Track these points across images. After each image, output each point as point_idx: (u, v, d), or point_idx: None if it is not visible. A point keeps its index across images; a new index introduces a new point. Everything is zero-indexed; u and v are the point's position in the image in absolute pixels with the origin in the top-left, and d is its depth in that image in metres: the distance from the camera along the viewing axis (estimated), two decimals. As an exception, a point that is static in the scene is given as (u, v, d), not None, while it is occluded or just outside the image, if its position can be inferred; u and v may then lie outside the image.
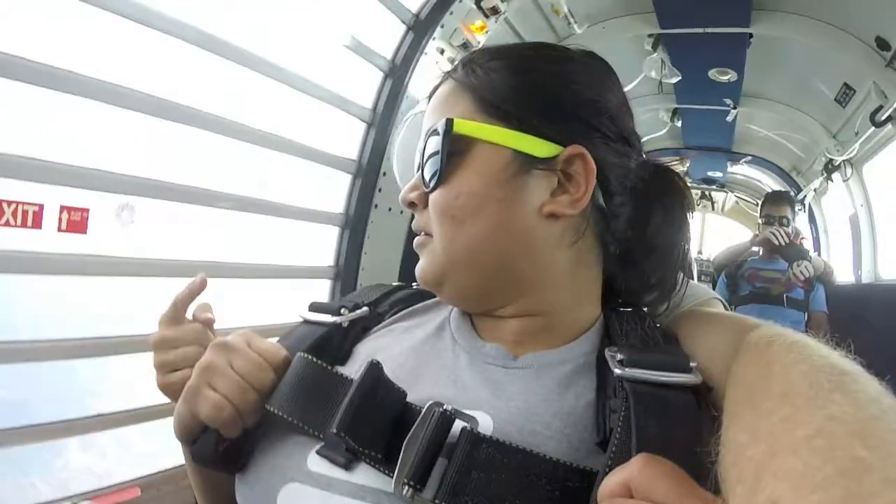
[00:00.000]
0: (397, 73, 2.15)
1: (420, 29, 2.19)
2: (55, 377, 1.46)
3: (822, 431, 0.35)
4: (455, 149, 0.66)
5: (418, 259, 0.73)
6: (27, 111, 1.38)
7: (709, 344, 0.64)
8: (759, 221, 3.61)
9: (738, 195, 7.33)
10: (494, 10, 2.34)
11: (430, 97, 0.76)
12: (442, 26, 2.22)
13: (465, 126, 0.66)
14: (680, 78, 3.59)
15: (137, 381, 1.50)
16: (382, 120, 2.10)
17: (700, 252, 7.46)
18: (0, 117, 1.34)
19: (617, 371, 0.58)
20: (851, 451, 0.32)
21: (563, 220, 0.67)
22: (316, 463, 0.59)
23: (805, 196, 4.79)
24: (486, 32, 2.38)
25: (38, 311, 1.51)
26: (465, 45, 2.33)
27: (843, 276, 3.84)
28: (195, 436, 0.67)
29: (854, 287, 3.80)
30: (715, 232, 7.92)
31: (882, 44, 2.64)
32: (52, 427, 1.35)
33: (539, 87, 0.69)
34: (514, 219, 0.66)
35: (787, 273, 3.28)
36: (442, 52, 2.27)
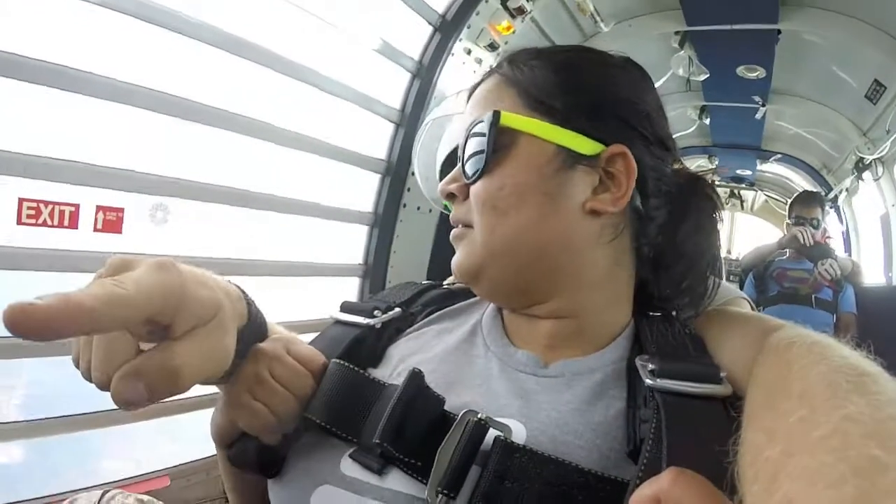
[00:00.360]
0: (425, 73, 2.18)
1: (447, 30, 2.22)
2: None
3: (838, 431, 0.35)
4: (501, 141, 0.66)
5: (453, 253, 0.73)
6: (63, 115, 1.43)
7: (733, 345, 0.64)
8: (789, 221, 3.52)
9: (767, 194, 7.20)
10: (521, 10, 2.35)
11: (471, 92, 0.76)
12: (468, 27, 2.25)
13: (511, 119, 0.67)
14: (708, 75, 3.56)
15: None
16: (411, 120, 2.13)
17: (729, 252, 7.34)
18: (36, 120, 1.39)
19: (648, 381, 0.58)
20: (866, 450, 0.32)
21: (604, 217, 0.67)
22: (349, 467, 0.59)
23: (836, 195, 4.70)
24: (513, 32, 2.39)
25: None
26: (491, 46, 2.35)
27: (874, 277, 3.75)
28: (232, 440, 0.67)
29: (885, 289, 3.72)
30: (744, 231, 7.81)
31: (914, 39, 2.60)
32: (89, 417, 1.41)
33: (583, 85, 0.69)
34: (556, 213, 0.66)
35: (814, 273, 3.23)
36: (469, 52, 2.29)
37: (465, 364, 0.69)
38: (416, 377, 0.60)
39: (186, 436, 1.69)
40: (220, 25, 1.55)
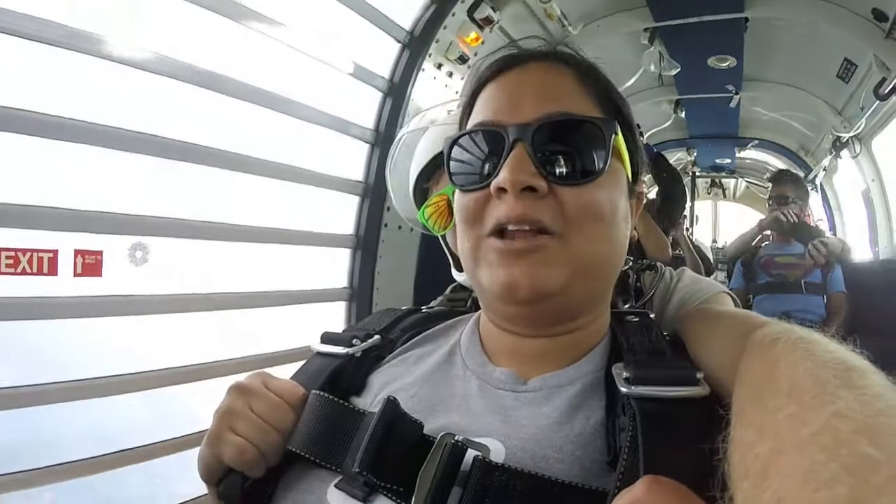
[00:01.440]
0: (396, 91, 2.18)
1: (415, 46, 2.22)
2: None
3: (828, 428, 0.35)
4: (608, 154, 0.66)
5: (432, 274, 0.72)
6: (37, 161, 1.41)
7: (716, 345, 0.64)
8: (769, 203, 3.55)
9: (748, 180, 7.28)
10: (488, 21, 2.36)
11: (513, 61, 0.73)
12: (437, 41, 2.25)
13: (621, 142, 0.68)
14: (679, 69, 3.59)
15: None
16: (385, 139, 2.11)
17: (714, 241, 7.40)
18: (8, 168, 1.37)
19: (623, 389, 0.59)
20: (857, 447, 0.32)
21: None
22: (335, 496, 0.60)
23: (815, 175, 4.74)
24: (482, 43, 2.40)
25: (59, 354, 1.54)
26: (461, 58, 2.35)
27: (861, 254, 3.78)
28: (220, 477, 0.68)
29: (872, 264, 3.73)
30: (729, 219, 7.89)
31: (879, 15, 2.61)
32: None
33: (630, 119, 0.74)
34: (625, 237, 0.70)
35: (805, 257, 3.21)
36: (440, 66, 2.29)
37: (444, 386, 0.70)
38: (390, 405, 0.61)
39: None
40: (191, 61, 1.54)
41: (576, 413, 0.62)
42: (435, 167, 1.14)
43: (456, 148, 0.70)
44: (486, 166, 0.66)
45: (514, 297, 0.64)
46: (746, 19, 3.05)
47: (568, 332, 0.69)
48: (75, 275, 1.38)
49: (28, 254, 1.29)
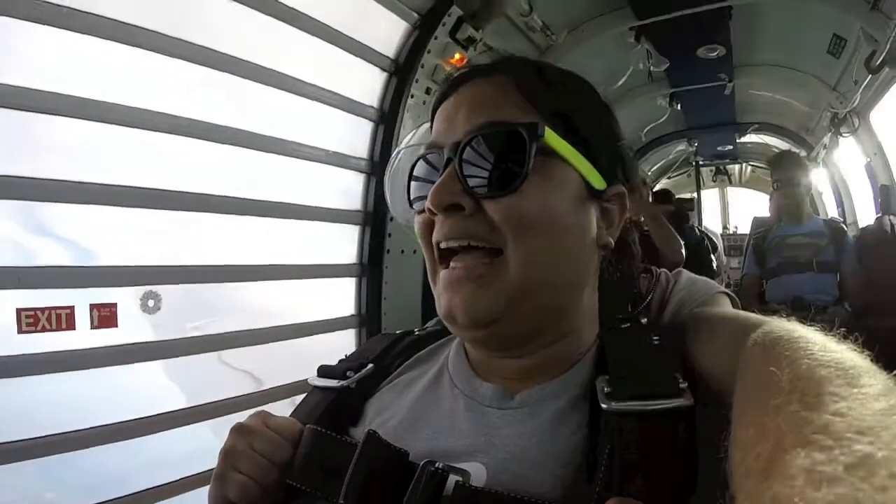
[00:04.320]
0: (387, 119, 2.23)
1: (402, 73, 2.27)
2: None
3: (829, 427, 0.34)
4: (537, 158, 0.63)
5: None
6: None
7: (717, 347, 0.64)
8: (774, 186, 3.45)
9: (752, 164, 7.23)
10: (470, 40, 2.39)
11: (456, 81, 0.72)
12: (422, 66, 2.29)
13: (554, 139, 0.65)
14: (668, 64, 3.61)
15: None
16: (380, 168, 2.16)
17: (725, 227, 7.35)
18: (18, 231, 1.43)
19: (603, 406, 0.59)
20: (858, 447, 0.32)
21: (601, 251, 0.71)
22: None
23: (817, 154, 4.71)
24: (468, 62, 2.43)
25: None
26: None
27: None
28: None
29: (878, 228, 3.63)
30: (737, 204, 7.85)
31: (863, -13, 2.59)
32: None
33: (595, 118, 0.73)
34: (583, 246, 0.68)
35: (815, 236, 3.17)
36: (428, 91, 2.33)
37: (432, 407, 0.71)
38: (371, 439, 0.63)
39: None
40: (188, 115, 1.61)
41: (559, 428, 0.63)
42: None
43: (413, 173, 0.73)
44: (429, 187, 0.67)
45: (454, 324, 0.66)
46: (730, 7, 3.04)
47: (544, 346, 0.69)
48: (92, 327, 1.45)
49: (46, 312, 1.36)
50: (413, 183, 0.73)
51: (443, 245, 0.66)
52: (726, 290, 0.97)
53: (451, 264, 0.65)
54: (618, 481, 0.52)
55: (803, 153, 4.65)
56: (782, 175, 3.36)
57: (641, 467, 0.53)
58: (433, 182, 0.66)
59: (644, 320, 0.80)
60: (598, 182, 0.69)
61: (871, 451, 0.31)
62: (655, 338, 0.70)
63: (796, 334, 0.49)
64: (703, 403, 0.58)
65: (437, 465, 0.59)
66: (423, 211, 0.68)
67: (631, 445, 0.54)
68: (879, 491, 0.29)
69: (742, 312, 0.72)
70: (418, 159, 0.73)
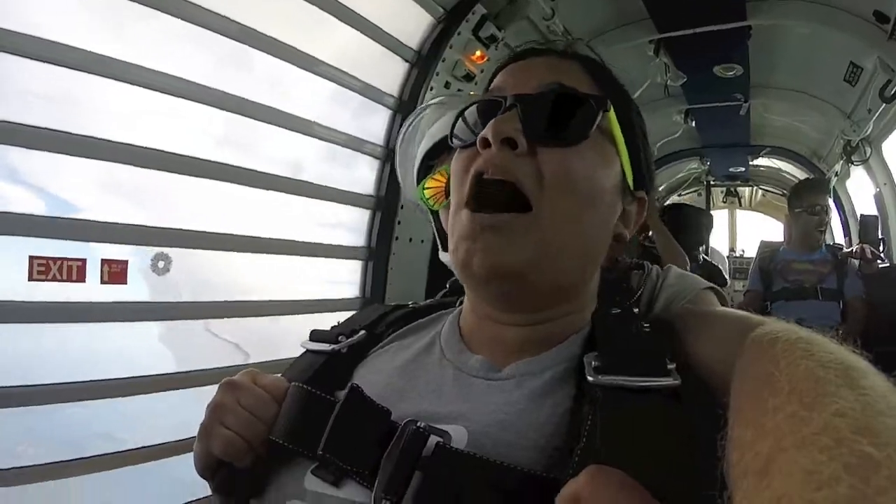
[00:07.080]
0: (405, 108, 2.26)
1: (422, 65, 2.31)
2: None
3: (829, 428, 0.34)
4: (596, 131, 0.66)
5: (442, 286, 0.73)
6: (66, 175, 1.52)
7: (713, 341, 0.64)
8: (797, 211, 3.33)
9: (763, 187, 7.20)
10: (492, 39, 2.43)
11: (526, 53, 0.76)
12: (443, 60, 2.33)
13: (615, 123, 0.68)
14: (685, 79, 3.63)
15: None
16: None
17: (732, 249, 7.30)
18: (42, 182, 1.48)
19: (590, 378, 0.59)
20: (858, 447, 0.32)
21: (613, 242, 0.74)
22: (311, 481, 0.63)
23: (829, 181, 4.69)
24: (488, 60, 2.47)
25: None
26: (467, 77, 2.43)
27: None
28: (214, 470, 0.71)
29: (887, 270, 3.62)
30: (745, 227, 7.84)
31: (881, 17, 2.62)
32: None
33: (638, 122, 0.76)
34: (606, 227, 0.71)
35: (821, 263, 3.18)
36: (447, 85, 2.37)
37: (419, 374, 0.72)
38: (353, 392, 0.64)
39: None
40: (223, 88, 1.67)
41: (544, 400, 0.62)
42: (444, 146, 1.17)
43: (460, 117, 0.73)
44: (481, 128, 0.67)
45: (471, 274, 0.65)
46: (749, 27, 3.06)
47: (548, 319, 0.70)
48: (102, 282, 1.49)
49: (58, 262, 1.39)
50: (459, 123, 0.73)
51: (486, 175, 0.64)
52: (715, 286, 0.98)
53: (476, 213, 0.65)
54: (600, 451, 0.51)
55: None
56: (815, 200, 3.30)
57: (623, 440, 0.52)
58: (482, 123, 0.67)
59: (636, 311, 0.81)
60: (631, 181, 0.72)
61: (870, 451, 0.32)
62: (646, 325, 0.70)
63: (796, 335, 0.49)
64: (690, 392, 0.58)
65: (418, 424, 0.59)
66: (466, 147, 0.69)
67: (615, 419, 0.54)
68: (879, 492, 0.29)
69: (739, 311, 0.72)
70: (472, 103, 0.73)
